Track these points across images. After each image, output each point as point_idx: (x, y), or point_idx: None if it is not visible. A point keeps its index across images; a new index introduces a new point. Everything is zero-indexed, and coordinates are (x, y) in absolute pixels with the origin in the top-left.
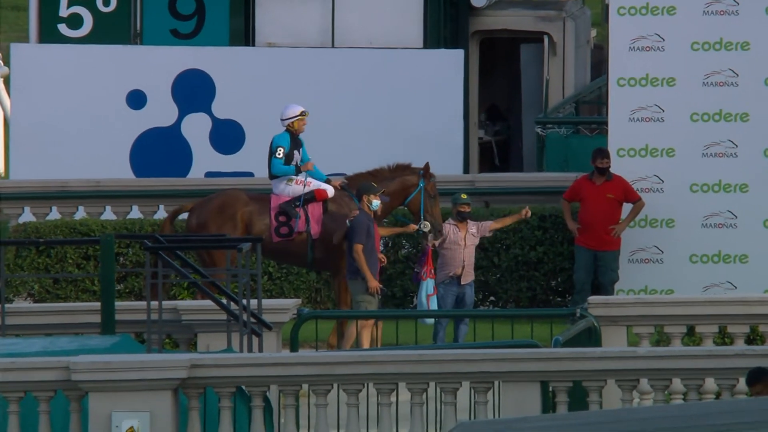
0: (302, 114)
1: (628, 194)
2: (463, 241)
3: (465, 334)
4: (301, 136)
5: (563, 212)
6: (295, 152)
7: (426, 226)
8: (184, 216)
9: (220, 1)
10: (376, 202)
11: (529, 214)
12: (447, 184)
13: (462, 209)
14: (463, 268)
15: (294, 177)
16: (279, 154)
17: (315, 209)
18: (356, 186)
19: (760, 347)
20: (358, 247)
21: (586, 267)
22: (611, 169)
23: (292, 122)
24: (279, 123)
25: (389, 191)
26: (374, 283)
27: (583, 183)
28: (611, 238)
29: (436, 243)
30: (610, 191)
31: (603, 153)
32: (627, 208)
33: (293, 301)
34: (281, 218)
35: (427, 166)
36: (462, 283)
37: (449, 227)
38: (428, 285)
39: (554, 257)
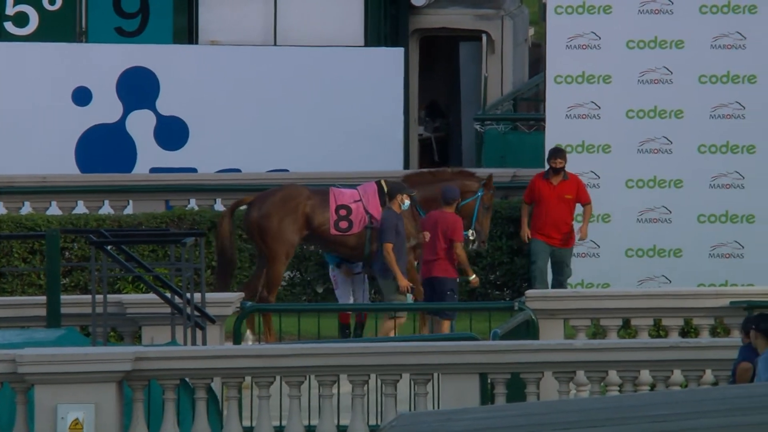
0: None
1: (581, 194)
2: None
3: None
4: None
5: (522, 216)
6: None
7: (473, 234)
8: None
9: (164, 0)
10: (407, 203)
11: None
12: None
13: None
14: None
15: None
16: None
17: (373, 204)
18: (418, 184)
19: (694, 339)
20: (388, 246)
21: (544, 257)
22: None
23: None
24: (223, 119)
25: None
26: (404, 282)
27: (540, 183)
28: (567, 237)
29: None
30: (568, 192)
31: (557, 153)
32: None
33: (236, 294)
34: (341, 212)
35: (490, 177)
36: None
37: None
38: None
39: (493, 251)
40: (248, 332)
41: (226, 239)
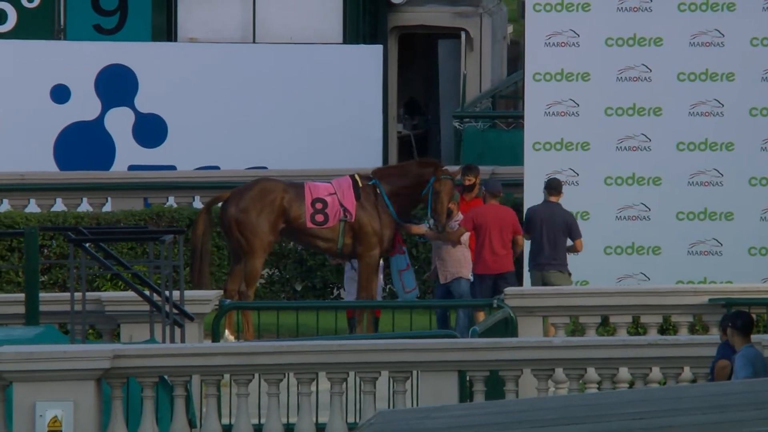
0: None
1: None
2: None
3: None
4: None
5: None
6: None
7: (430, 221)
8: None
9: None
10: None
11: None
12: None
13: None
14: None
15: None
16: None
17: (348, 198)
18: (386, 176)
19: (672, 337)
20: (581, 242)
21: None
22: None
23: None
24: (201, 116)
25: (408, 184)
26: None
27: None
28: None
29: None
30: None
31: (467, 170)
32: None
33: (215, 292)
34: (317, 205)
35: (436, 165)
36: (441, 281)
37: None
38: (398, 260)
39: None
40: (227, 333)
41: (200, 237)
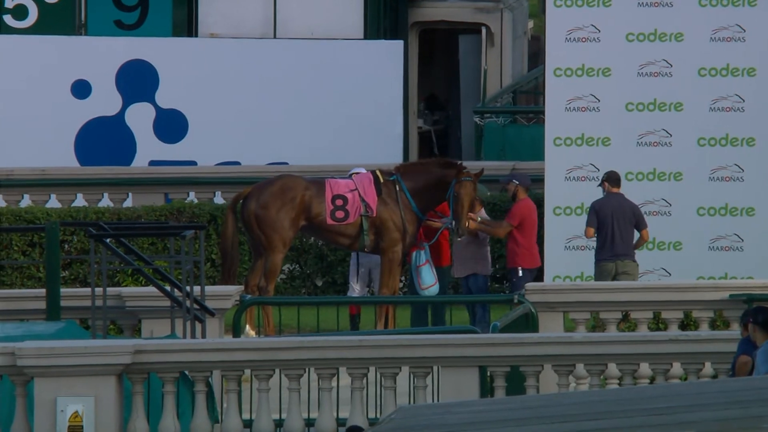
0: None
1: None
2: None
3: (480, 319)
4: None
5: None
6: None
7: (452, 222)
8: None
9: None
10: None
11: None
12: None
13: None
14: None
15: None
16: None
17: (369, 193)
18: (409, 173)
19: (693, 332)
20: (648, 232)
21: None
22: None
23: None
24: (222, 112)
25: (429, 183)
26: None
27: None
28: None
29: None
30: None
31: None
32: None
33: (236, 287)
34: (338, 202)
35: (459, 167)
36: (455, 275)
37: None
38: (417, 256)
39: (493, 244)
40: (248, 327)
41: (230, 238)
